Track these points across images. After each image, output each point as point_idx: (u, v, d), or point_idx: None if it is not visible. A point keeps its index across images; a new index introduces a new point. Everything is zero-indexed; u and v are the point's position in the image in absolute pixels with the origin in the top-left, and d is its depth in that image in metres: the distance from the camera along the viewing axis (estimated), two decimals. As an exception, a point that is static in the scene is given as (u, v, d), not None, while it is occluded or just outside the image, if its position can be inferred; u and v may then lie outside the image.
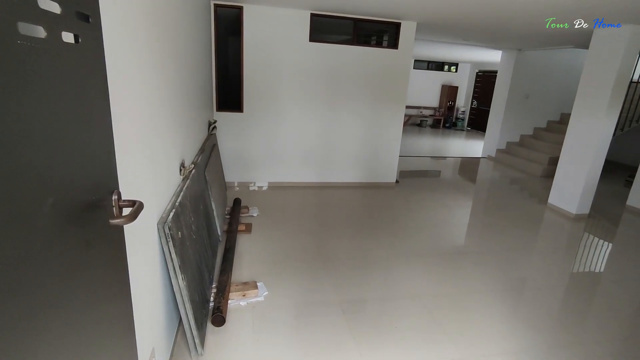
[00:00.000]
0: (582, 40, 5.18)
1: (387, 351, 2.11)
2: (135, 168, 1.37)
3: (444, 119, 12.27)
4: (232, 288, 2.47)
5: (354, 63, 4.63)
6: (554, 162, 6.48)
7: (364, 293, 2.65)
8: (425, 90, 12.20)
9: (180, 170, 2.19)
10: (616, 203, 5.22)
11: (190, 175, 2.33)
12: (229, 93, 4.54)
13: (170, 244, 1.68)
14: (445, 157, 7.86)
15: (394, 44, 4.67)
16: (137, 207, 0.90)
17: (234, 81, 4.52)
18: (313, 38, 4.41)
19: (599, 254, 3.70)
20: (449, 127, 12.28)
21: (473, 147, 9.22)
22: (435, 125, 12.45)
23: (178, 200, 1.94)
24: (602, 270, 3.34)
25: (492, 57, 9.10)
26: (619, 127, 6.90)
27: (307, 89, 4.60)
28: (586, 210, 4.55)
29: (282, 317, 2.34)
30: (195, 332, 1.83)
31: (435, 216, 4.27)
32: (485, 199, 5.27)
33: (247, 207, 3.88)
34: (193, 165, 2.41)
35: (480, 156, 8.06)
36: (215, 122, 4.02)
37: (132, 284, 1.19)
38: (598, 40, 4.21)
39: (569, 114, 7.53)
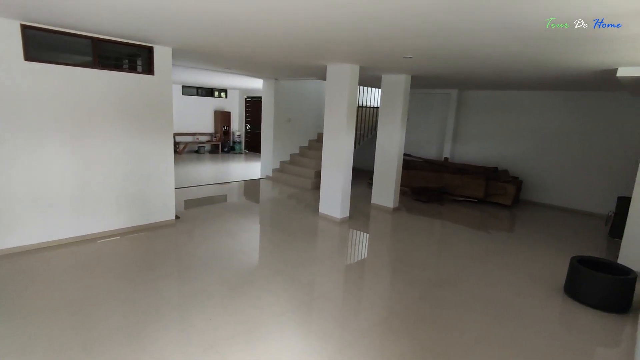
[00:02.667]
0: (322, 74, 6.20)
1: None
2: None
3: (221, 143, 12.40)
4: None
5: (101, 90, 3.89)
6: (319, 175, 7.50)
7: (144, 372, 2.13)
8: (199, 117, 12.00)
9: None
10: (365, 202, 6.49)
11: None
12: None
13: None
14: (228, 182, 7.84)
15: (148, 69, 4.21)
16: None
17: None
18: (32, 56, 3.41)
19: (362, 248, 4.41)
20: (227, 152, 12.49)
21: (253, 168, 9.64)
22: (214, 150, 12.43)
23: None
24: (366, 258, 3.98)
25: (255, 84, 9.84)
26: (357, 142, 8.72)
27: (35, 123, 3.52)
28: (347, 213, 5.41)
29: None
30: None
31: (223, 247, 4.07)
32: (269, 218, 5.48)
33: (-63, 303, 2.54)
34: None
35: (259, 177, 8.48)
36: None
37: None
38: (331, 74, 5.11)
39: (323, 134, 9.00)
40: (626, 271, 3.20)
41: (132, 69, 4.19)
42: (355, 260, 4.03)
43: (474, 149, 7.95)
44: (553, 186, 7.00)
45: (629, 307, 3.11)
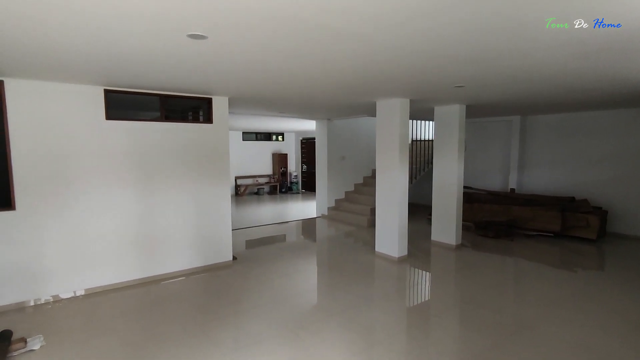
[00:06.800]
0: (372, 110, 6.24)
1: None
2: None
3: (279, 184, 12.80)
4: None
5: (168, 140, 4.27)
6: (374, 212, 7.32)
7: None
8: (258, 160, 12.63)
9: None
10: (424, 239, 6.14)
11: None
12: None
13: None
14: (286, 222, 7.97)
15: (208, 118, 4.56)
16: None
17: None
18: (111, 116, 3.88)
19: (424, 289, 4.10)
20: (285, 192, 12.84)
21: (309, 207, 9.74)
22: (273, 191, 12.85)
23: None
24: (429, 300, 3.66)
25: (310, 126, 10.18)
26: (413, 177, 8.45)
27: (113, 173, 3.93)
28: (405, 251, 5.13)
29: None
30: None
31: (279, 288, 4.03)
32: (325, 258, 5.39)
33: (23, 340, 2.78)
34: None
35: (315, 216, 8.51)
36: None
37: None
38: (381, 109, 5.10)
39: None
40: None
41: (194, 119, 4.57)
42: (417, 303, 3.74)
43: (544, 178, 7.27)
44: (648, 216, 6.07)
45: None
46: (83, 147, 3.74)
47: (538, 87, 3.92)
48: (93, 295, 3.85)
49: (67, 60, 2.70)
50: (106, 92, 3.81)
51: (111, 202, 3.95)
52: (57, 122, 3.59)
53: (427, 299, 3.84)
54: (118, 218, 4.01)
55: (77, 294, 3.82)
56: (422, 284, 4.33)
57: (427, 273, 4.66)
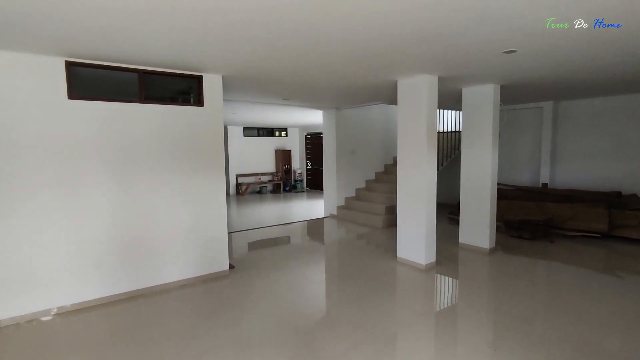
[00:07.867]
0: (389, 96, 5.47)
1: None
2: None
3: (283, 182, 12.05)
4: None
5: (148, 126, 3.52)
6: (390, 211, 6.57)
7: None
8: (260, 157, 11.86)
9: None
10: (451, 242, 5.35)
11: None
12: None
13: None
14: (291, 223, 7.22)
15: (198, 100, 3.80)
16: None
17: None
18: (75, 94, 3.13)
19: (465, 305, 3.32)
20: (288, 191, 12.10)
21: (315, 207, 8.98)
22: (276, 190, 12.10)
23: None
24: (475, 320, 2.90)
25: (315, 119, 9.42)
26: (431, 170, 7.63)
27: (80, 165, 3.19)
28: (433, 258, 4.35)
29: None
30: None
31: (285, 306, 3.27)
32: (339, 266, 4.62)
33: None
34: None
35: (323, 216, 7.75)
36: None
37: None
38: (403, 89, 4.32)
39: (391, 165, 8.10)
40: None
41: (180, 101, 3.79)
42: (461, 325, 2.97)
43: (581, 172, 6.47)
44: None
45: None
46: (38, 134, 2.99)
47: (608, 54, 3.14)
48: (55, 317, 3.11)
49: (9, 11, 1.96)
50: (68, 64, 3.06)
51: (76, 203, 3.21)
52: (1, 101, 2.85)
53: (472, 317, 3.06)
54: (87, 220, 3.26)
55: (38, 317, 3.08)
56: (460, 297, 3.55)
57: (463, 283, 3.89)
